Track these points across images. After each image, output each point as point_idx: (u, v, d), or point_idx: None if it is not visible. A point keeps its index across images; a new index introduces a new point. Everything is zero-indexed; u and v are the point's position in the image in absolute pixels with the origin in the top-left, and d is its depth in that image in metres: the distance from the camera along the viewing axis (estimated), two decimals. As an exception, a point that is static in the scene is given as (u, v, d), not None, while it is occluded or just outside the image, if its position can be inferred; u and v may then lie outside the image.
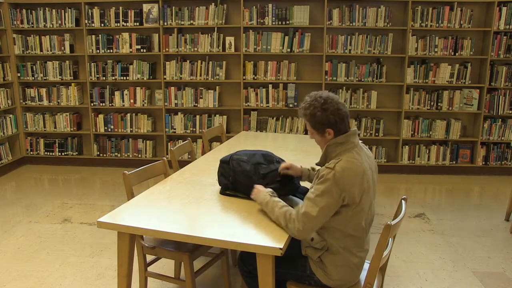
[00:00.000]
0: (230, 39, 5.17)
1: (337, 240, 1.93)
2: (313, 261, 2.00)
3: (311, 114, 1.94)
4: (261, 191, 2.10)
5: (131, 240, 2.10)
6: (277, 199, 2.02)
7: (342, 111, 1.93)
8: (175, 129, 5.43)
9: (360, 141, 2.02)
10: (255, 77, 5.22)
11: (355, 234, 1.93)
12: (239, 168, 2.29)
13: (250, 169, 2.27)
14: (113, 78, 5.36)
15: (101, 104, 5.44)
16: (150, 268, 2.53)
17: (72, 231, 3.70)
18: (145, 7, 5.18)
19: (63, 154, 5.62)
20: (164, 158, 2.89)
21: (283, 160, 2.43)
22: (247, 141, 3.75)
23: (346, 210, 1.87)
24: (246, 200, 2.27)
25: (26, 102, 5.54)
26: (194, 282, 2.35)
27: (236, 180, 2.31)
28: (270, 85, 5.21)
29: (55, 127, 5.55)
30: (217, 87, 5.33)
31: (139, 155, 5.53)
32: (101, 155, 5.58)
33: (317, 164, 2.03)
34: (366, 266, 2.07)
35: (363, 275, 2.06)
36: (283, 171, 2.27)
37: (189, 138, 3.43)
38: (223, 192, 2.38)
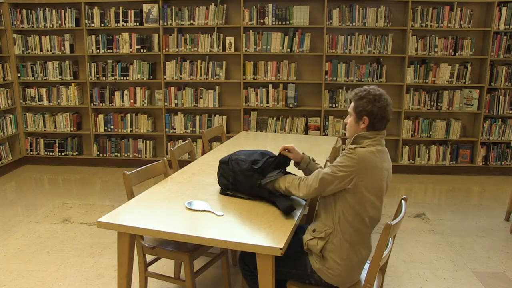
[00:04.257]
0: (230, 39, 5.17)
1: (343, 231, 1.94)
2: (314, 257, 2.00)
3: (361, 97, 1.99)
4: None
5: (131, 240, 2.10)
6: None
7: (387, 112, 1.99)
8: (175, 129, 5.43)
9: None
10: (255, 77, 5.22)
11: (361, 229, 1.94)
12: (238, 168, 2.27)
13: (248, 167, 2.25)
14: (113, 78, 5.36)
15: (101, 104, 5.44)
16: (150, 268, 2.53)
17: (72, 231, 3.70)
18: (145, 7, 5.18)
19: (63, 154, 5.62)
20: (164, 158, 2.89)
21: None
22: (247, 141, 3.75)
23: (348, 195, 1.92)
24: (246, 200, 2.27)
25: (26, 102, 5.54)
26: (194, 282, 2.35)
27: (236, 180, 2.30)
28: (270, 85, 5.21)
29: (55, 127, 5.55)
30: (217, 87, 5.33)
31: (139, 155, 5.53)
32: (101, 155, 5.58)
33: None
34: (366, 266, 2.07)
35: (363, 275, 2.06)
36: (283, 152, 2.26)
37: (189, 138, 3.43)
38: (223, 192, 2.38)
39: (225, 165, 2.36)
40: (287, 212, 2.07)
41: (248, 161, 2.26)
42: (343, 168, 1.91)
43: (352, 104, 2.03)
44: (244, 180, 2.24)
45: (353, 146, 1.94)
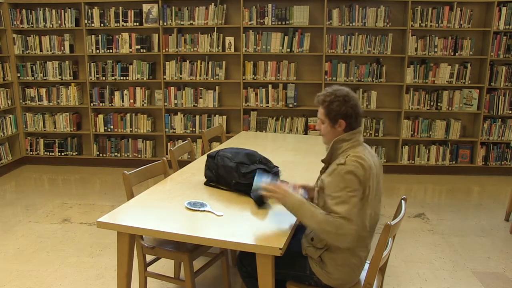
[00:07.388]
0: (230, 39, 5.17)
1: None
2: (313, 261, 2.00)
3: (331, 101, 1.94)
4: (290, 194, 1.93)
5: (130, 240, 2.10)
6: (311, 203, 1.91)
7: (359, 108, 1.97)
8: (174, 129, 5.43)
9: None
10: (255, 77, 5.22)
11: (361, 234, 1.90)
12: (222, 163, 2.46)
13: (231, 165, 2.41)
14: (113, 78, 5.36)
15: (100, 104, 5.44)
16: (150, 268, 2.53)
17: (72, 231, 3.70)
18: (145, 7, 5.18)
19: (63, 154, 5.62)
20: (164, 158, 2.89)
21: (266, 159, 2.53)
22: (247, 141, 3.74)
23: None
24: (245, 200, 2.28)
25: (26, 102, 5.54)
26: (194, 282, 2.35)
27: (218, 174, 2.47)
28: (270, 85, 5.21)
29: (55, 127, 5.55)
30: (217, 87, 5.33)
31: (139, 155, 5.53)
32: (101, 155, 5.57)
33: (322, 161, 2.02)
34: (366, 266, 2.06)
35: (363, 275, 2.05)
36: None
37: (188, 138, 3.44)
38: (207, 183, 2.54)
39: (211, 159, 2.55)
40: (259, 203, 2.16)
41: (233, 161, 2.43)
42: (351, 186, 1.80)
43: (323, 110, 1.97)
44: (225, 175, 2.42)
45: (342, 161, 1.85)
